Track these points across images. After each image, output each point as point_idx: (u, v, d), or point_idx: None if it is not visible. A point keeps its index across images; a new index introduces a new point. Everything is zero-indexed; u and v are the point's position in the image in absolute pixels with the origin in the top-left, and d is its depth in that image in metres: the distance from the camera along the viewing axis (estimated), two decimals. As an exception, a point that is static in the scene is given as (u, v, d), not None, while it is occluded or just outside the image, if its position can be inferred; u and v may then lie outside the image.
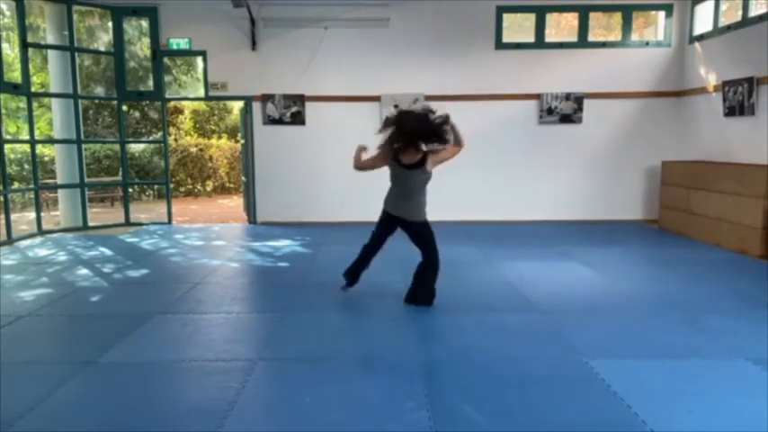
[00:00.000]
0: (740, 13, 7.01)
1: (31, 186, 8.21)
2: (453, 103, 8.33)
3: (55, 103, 8.55)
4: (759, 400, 2.78)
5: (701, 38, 7.83)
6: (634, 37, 8.53)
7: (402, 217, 4.34)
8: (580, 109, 8.40)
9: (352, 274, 4.69)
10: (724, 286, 4.88)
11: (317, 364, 3.25)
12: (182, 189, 14.21)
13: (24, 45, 7.50)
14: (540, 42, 8.35)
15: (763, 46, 6.47)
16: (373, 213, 8.51)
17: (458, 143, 4.25)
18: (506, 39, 8.40)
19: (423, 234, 4.39)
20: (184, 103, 15.89)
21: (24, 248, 6.85)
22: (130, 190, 12.58)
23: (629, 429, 2.52)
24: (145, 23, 10.10)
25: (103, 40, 12.76)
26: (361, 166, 4.50)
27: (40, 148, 11.19)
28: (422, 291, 4.40)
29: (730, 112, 7.08)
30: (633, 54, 8.36)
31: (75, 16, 8.24)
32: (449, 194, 8.62)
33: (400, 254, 6.22)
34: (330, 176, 8.60)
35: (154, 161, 13.48)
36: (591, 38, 8.44)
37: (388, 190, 4.46)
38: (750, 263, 5.79)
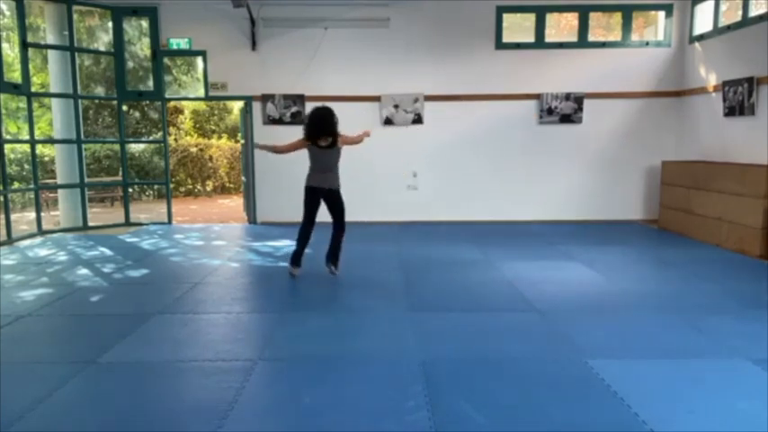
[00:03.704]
0: (740, 13, 7.01)
1: (31, 186, 8.20)
2: (453, 102, 8.36)
3: (55, 103, 8.55)
4: (759, 400, 2.78)
5: (701, 38, 7.83)
6: (634, 37, 8.52)
7: (326, 187, 5.12)
8: (580, 109, 8.40)
9: (296, 259, 5.28)
10: (724, 286, 4.88)
11: (316, 364, 3.25)
12: (182, 189, 14.21)
13: (24, 45, 7.50)
14: (540, 42, 8.35)
15: (763, 46, 6.47)
16: (373, 213, 8.61)
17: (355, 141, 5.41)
18: (506, 39, 8.40)
19: (339, 202, 5.21)
20: (184, 103, 15.89)
21: (24, 248, 6.85)
22: (130, 190, 12.57)
23: (629, 429, 2.52)
24: (145, 23, 10.10)
25: (103, 40, 12.76)
26: (281, 150, 5.31)
27: (40, 148, 11.19)
28: (335, 252, 5.24)
29: (730, 112, 7.08)
30: (633, 54, 8.37)
31: (75, 16, 8.23)
32: (449, 195, 8.64)
33: (402, 255, 6.24)
34: (330, 176, 8.59)
35: (154, 161, 13.48)
36: (591, 38, 8.44)
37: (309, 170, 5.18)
38: (750, 263, 5.79)
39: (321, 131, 4.97)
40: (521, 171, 8.58)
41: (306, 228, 5.20)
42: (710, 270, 5.51)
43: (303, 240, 5.22)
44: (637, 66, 8.36)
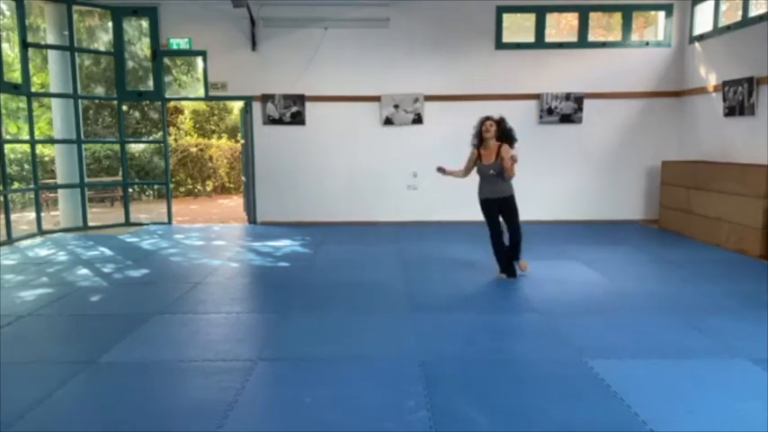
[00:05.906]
0: (740, 13, 7.01)
1: (31, 186, 8.20)
2: (453, 103, 8.35)
3: (55, 103, 8.55)
4: (759, 400, 2.78)
5: (701, 38, 7.83)
6: (634, 37, 8.52)
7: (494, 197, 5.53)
8: (580, 109, 8.39)
9: (501, 266, 5.30)
10: (724, 286, 4.88)
11: (316, 364, 3.25)
12: (182, 189, 14.21)
13: (24, 45, 7.50)
14: (540, 42, 8.35)
15: (763, 46, 6.47)
16: (372, 213, 8.61)
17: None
18: (506, 39, 8.39)
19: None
20: (184, 103, 15.88)
21: (24, 248, 6.85)
22: (130, 190, 12.58)
23: (629, 429, 2.52)
24: (145, 23, 10.09)
25: (103, 40, 12.76)
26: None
27: (40, 148, 11.19)
28: (511, 254, 5.27)
29: (730, 112, 7.08)
30: (633, 54, 8.36)
31: (75, 16, 8.24)
32: (449, 195, 8.62)
33: (402, 255, 6.24)
34: (330, 176, 8.61)
35: (154, 161, 13.47)
36: (591, 38, 8.44)
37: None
38: (750, 263, 5.79)
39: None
40: (521, 171, 8.53)
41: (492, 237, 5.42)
42: (710, 270, 5.51)
43: (494, 247, 5.36)
44: (637, 66, 8.36)
